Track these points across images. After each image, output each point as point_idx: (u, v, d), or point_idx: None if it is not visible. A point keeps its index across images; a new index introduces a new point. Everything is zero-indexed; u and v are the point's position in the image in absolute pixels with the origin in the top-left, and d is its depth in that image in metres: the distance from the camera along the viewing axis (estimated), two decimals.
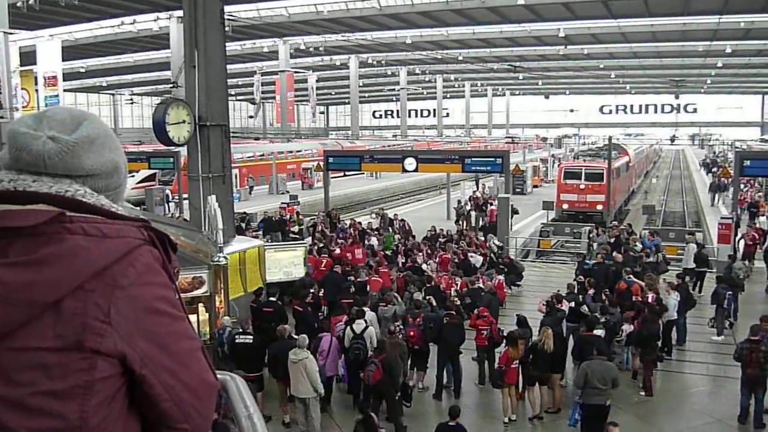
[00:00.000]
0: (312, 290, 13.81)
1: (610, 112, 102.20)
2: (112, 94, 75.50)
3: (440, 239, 20.79)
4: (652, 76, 68.07)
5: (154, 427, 1.17)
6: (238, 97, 75.84)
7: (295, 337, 10.83)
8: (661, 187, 49.97)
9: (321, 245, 18.30)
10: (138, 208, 25.07)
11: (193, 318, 10.30)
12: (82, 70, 50.92)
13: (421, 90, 73.46)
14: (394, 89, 67.86)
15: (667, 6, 33.60)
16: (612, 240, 19.63)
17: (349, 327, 11.27)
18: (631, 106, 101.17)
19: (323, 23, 37.43)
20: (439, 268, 17.58)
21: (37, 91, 19.72)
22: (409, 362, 11.62)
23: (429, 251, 19.27)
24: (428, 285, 14.92)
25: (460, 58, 51.55)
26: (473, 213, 28.12)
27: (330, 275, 15.26)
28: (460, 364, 11.89)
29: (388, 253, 19.07)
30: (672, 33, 41.16)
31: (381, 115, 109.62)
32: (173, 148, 17.35)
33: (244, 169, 39.79)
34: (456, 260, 18.07)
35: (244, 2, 32.69)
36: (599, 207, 28.47)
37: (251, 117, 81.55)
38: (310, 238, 20.26)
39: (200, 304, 11.33)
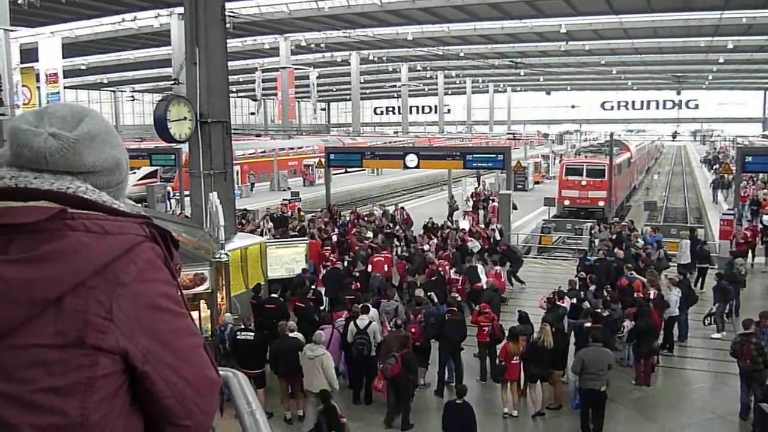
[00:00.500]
0: (312, 286, 13.85)
1: (612, 108, 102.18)
2: (113, 91, 75.55)
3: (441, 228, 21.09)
4: (654, 72, 67.95)
5: (157, 423, 1.17)
6: (240, 94, 75.89)
7: (297, 335, 10.86)
8: (663, 184, 49.90)
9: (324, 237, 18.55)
10: (139, 204, 24.98)
11: (194, 315, 10.30)
12: (83, 67, 50.93)
13: (422, 86, 73.42)
14: (395, 86, 67.86)
15: (668, 1, 33.59)
16: (613, 236, 19.61)
17: (352, 322, 11.28)
18: (633, 102, 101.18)
19: (324, 19, 37.40)
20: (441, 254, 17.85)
21: (38, 88, 19.76)
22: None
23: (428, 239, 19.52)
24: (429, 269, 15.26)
25: (462, 54, 51.50)
26: (480, 212, 28.10)
27: (331, 272, 15.29)
28: (461, 360, 11.90)
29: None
30: (674, 29, 41.09)
31: (382, 112, 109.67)
32: (174, 144, 17.41)
33: (246, 166, 39.78)
34: (455, 245, 18.25)
35: None
36: (601, 203, 28.45)
37: (252, 114, 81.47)
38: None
39: (202, 301, 11.34)
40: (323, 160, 26.95)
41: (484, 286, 14.68)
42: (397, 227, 21.50)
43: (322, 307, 13.70)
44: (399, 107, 74.23)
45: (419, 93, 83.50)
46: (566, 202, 29.70)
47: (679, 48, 50.27)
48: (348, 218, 23.12)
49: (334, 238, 18.61)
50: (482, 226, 22.81)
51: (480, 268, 15.69)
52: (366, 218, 23.08)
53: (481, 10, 35.92)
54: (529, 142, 67.66)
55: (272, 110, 72.18)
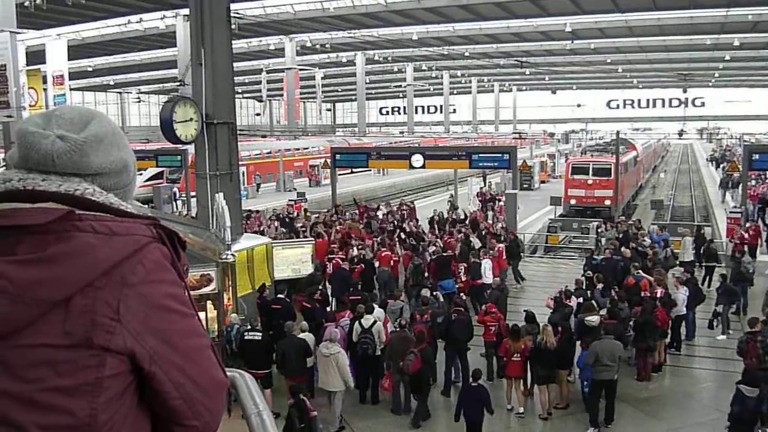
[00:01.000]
0: (320, 287, 13.88)
1: (618, 106, 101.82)
2: (120, 93, 75.80)
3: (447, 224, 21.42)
4: (660, 71, 67.75)
5: (164, 424, 1.17)
6: (245, 95, 75.99)
7: (306, 335, 10.88)
8: (669, 182, 49.73)
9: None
10: (146, 206, 25.13)
11: (201, 315, 10.31)
12: (90, 69, 51.14)
13: (427, 86, 73.38)
14: (400, 86, 67.81)
15: None
16: (620, 235, 19.53)
17: (357, 322, 11.29)
18: (639, 100, 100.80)
19: (329, 20, 37.43)
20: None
21: (45, 90, 19.83)
22: None
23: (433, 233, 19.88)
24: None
25: (467, 53, 51.46)
26: (489, 213, 28.08)
27: (337, 272, 15.31)
28: (468, 360, 11.89)
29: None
30: (679, 26, 40.89)
31: (388, 112, 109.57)
32: (180, 146, 17.38)
33: (252, 167, 39.79)
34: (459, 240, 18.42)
35: (250, 0, 32.75)
36: (607, 202, 28.34)
37: (258, 115, 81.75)
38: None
39: (209, 302, 11.38)
40: (329, 160, 26.96)
41: (487, 282, 14.73)
42: (404, 223, 21.61)
43: (328, 308, 13.71)
44: (404, 107, 74.14)
45: (425, 93, 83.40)
46: (572, 201, 29.61)
47: (684, 46, 50.06)
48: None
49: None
50: (490, 221, 22.91)
51: (483, 265, 15.66)
52: (371, 212, 23.39)
53: (487, 10, 35.87)
54: (534, 141, 67.48)
55: (278, 111, 72.33)
